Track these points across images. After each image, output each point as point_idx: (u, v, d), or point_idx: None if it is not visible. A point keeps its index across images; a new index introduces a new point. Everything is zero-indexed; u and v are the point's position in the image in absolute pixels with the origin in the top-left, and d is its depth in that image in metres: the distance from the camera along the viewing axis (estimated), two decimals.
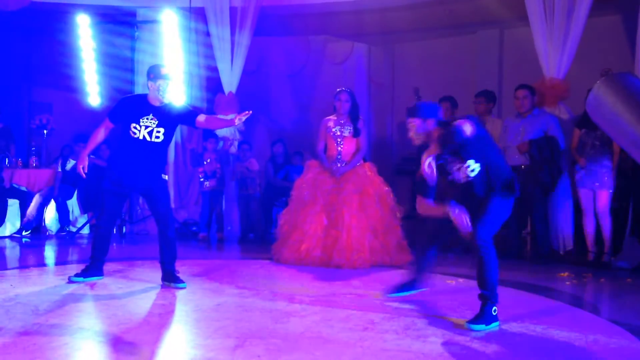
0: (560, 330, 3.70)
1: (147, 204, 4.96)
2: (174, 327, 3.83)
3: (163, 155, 4.89)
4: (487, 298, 3.77)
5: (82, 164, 4.78)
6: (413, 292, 4.37)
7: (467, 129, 3.72)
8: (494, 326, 3.74)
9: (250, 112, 4.59)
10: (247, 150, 8.19)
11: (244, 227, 8.07)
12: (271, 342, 3.34)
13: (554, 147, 6.21)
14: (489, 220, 3.81)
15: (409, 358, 3.15)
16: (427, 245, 4.27)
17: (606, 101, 3.74)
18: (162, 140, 4.72)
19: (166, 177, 4.79)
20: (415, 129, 3.93)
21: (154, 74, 4.70)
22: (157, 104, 4.71)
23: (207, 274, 5.37)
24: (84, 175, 4.80)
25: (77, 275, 4.85)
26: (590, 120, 5.72)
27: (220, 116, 4.68)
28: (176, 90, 8.31)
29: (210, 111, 8.79)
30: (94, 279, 4.87)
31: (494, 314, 3.76)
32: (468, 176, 3.85)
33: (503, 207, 3.87)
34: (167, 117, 4.71)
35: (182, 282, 4.77)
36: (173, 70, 4.73)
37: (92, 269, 4.89)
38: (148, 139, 4.67)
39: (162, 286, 4.75)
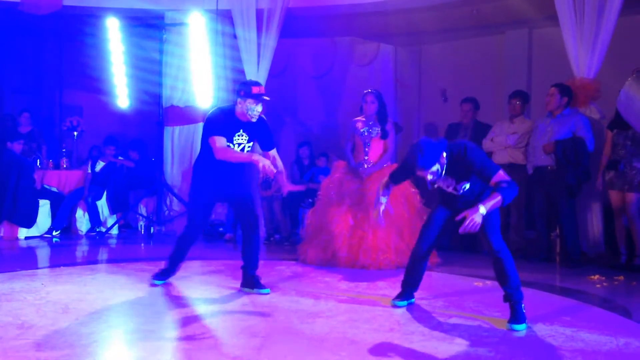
0: (590, 334, 3.64)
1: (234, 210, 4.90)
2: (200, 327, 3.86)
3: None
4: (514, 296, 3.75)
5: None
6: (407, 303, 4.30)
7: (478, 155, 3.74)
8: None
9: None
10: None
11: (269, 228, 8.10)
12: (297, 342, 3.34)
13: (579, 148, 6.08)
14: (494, 225, 3.80)
15: None
16: (424, 246, 4.18)
17: (637, 98, 3.69)
18: None
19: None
20: (436, 174, 3.75)
21: (244, 91, 4.48)
22: (245, 119, 4.56)
23: (233, 274, 5.38)
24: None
25: (156, 278, 4.87)
26: (622, 120, 5.66)
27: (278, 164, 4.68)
28: (205, 92, 8.43)
29: None
30: (167, 281, 4.92)
31: (524, 311, 3.75)
32: (457, 191, 3.86)
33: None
34: (256, 132, 4.64)
35: (264, 287, 4.72)
36: (264, 90, 4.51)
37: (172, 272, 4.92)
38: None
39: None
